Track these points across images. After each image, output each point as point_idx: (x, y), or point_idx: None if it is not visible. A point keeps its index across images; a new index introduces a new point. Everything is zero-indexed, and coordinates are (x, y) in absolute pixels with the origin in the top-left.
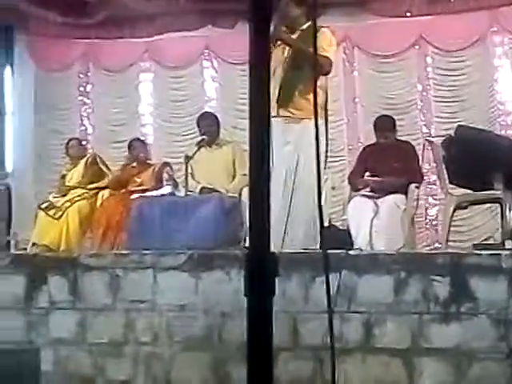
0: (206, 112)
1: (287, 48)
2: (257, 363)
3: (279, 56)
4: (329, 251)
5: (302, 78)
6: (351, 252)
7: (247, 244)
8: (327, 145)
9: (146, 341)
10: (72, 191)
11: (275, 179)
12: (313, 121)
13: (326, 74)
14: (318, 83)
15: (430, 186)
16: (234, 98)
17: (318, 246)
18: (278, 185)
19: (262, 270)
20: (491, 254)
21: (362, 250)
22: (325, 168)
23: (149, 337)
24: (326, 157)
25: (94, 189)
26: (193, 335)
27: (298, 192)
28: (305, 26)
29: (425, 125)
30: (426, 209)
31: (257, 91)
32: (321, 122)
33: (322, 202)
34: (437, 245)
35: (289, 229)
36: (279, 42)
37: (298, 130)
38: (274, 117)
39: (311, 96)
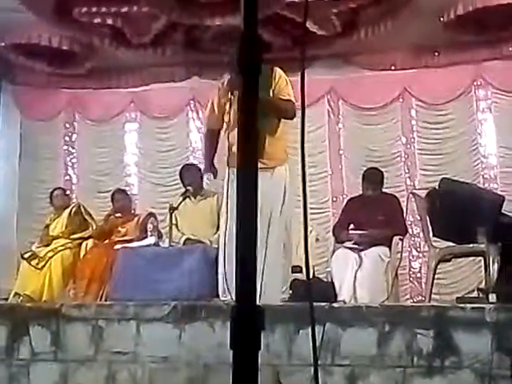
0: (188, 164)
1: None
2: None
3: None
4: (314, 304)
5: (268, 126)
6: (335, 304)
7: (230, 296)
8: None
9: None
10: (55, 241)
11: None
12: (282, 168)
13: (292, 118)
14: (288, 126)
15: (413, 239)
16: (219, 148)
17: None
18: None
19: (248, 324)
20: (475, 308)
21: (345, 302)
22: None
23: None
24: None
25: (77, 239)
26: None
27: (271, 242)
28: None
29: (409, 177)
30: (410, 261)
31: (245, 140)
32: (286, 166)
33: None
34: (421, 298)
35: (265, 281)
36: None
37: (269, 179)
38: None
39: (281, 143)
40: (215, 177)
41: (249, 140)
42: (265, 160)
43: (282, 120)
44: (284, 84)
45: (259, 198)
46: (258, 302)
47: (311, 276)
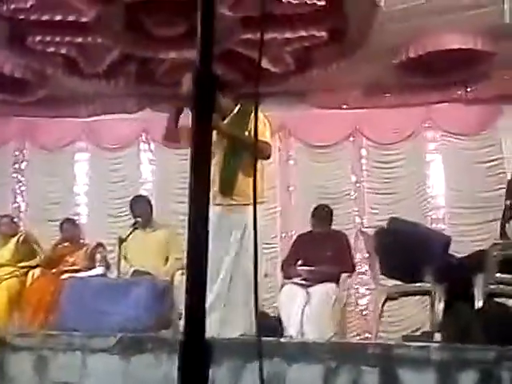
0: (138, 196)
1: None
2: None
3: (215, 143)
4: (261, 338)
5: (242, 164)
6: (282, 339)
7: (179, 328)
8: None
9: None
10: (2, 269)
11: (213, 265)
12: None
13: (267, 158)
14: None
15: (361, 276)
16: (170, 181)
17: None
18: (215, 271)
19: (196, 359)
20: (420, 346)
21: (292, 337)
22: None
23: None
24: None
25: (24, 267)
26: None
27: (236, 280)
28: (235, 111)
29: (358, 215)
30: (357, 298)
31: (198, 176)
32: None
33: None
34: (368, 335)
35: (227, 316)
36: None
37: (242, 218)
38: (218, 205)
39: (250, 181)
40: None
41: (201, 178)
42: (236, 197)
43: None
44: (262, 125)
45: (225, 236)
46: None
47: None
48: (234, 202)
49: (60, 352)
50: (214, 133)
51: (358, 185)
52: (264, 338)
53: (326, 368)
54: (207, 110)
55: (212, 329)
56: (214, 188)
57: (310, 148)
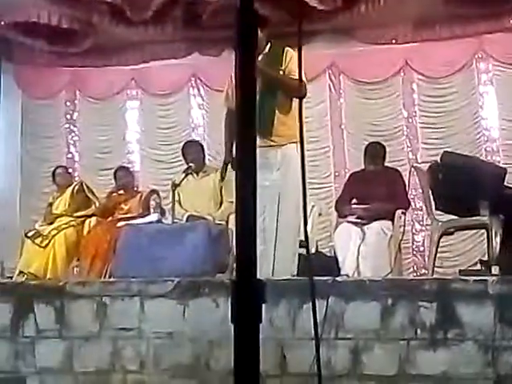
0: (190, 140)
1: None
2: None
3: None
4: (316, 278)
5: (278, 104)
6: (338, 279)
7: (234, 271)
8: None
9: (134, 369)
10: (59, 219)
11: (260, 205)
12: (293, 146)
13: (302, 97)
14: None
15: (416, 212)
16: (220, 125)
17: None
18: (262, 211)
19: (248, 298)
20: (477, 280)
21: (348, 276)
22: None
23: (136, 365)
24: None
25: (80, 217)
26: (180, 363)
27: (282, 219)
28: (266, 49)
29: (411, 151)
30: (413, 235)
31: (243, 116)
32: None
33: (309, 229)
34: (424, 271)
35: (277, 255)
36: None
37: (280, 156)
38: (260, 146)
39: (289, 121)
40: (234, 167)
41: (247, 118)
42: (274, 137)
43: (294, 99)
44: (295, 64)
45: (268, 175)
46: (261, 276)
47: (314, 251)
48: (272, 143)
49: (118, 299)
50: None
51: (410, 120)
52: (320, 278)
53: (383, 305)
54: (250, 49)
55: (263, 270)
56: None
57: (360, 85)
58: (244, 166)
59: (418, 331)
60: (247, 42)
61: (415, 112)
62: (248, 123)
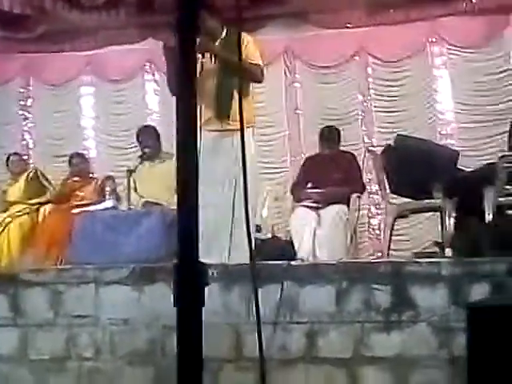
0: (145, 126)
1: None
2: (187, 374)
3: (208, 67)
4: (271, 262)
5: (235, 88)
6: (293, 262)
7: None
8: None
9: (89, 356)
10: (13, 206)
11: (216, 190)
12: (249, 130)
13: (260, 81)
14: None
15: (372, 196)
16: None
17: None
18: (218, 195)
19: (190, 281)
20: (431, 262)
21: (303, 260)
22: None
23: (91, 352)
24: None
25: (35, 204)
26: (136, 349)
27: (238, 202)
28: (223, 35)
29: (366, 135)
30: (369, 219)
31: (183, 101)
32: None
33: (265, 214)
34: (381, 254)
35: (233, 240)
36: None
37: (236, 142)
38: (214, 131)
39: (246, 106)
40: None
41: (186, 102)
42: (231, 121)
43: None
44: (253, 48)
45: (223, 160)
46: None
47: (271, 236)
48: (229, 127)
49: (73, 286)
50: (207, 56)
51: (365, 104)
52: (275, 262)
53: (338, 289)
54: (191, 32)
55: (222, 254)
56: (210, 114)
57: (315, 69)
58: (184, 148)
59: (373, 314)
60: (187, 26)
61: (370, 96)
62: (188, 106)
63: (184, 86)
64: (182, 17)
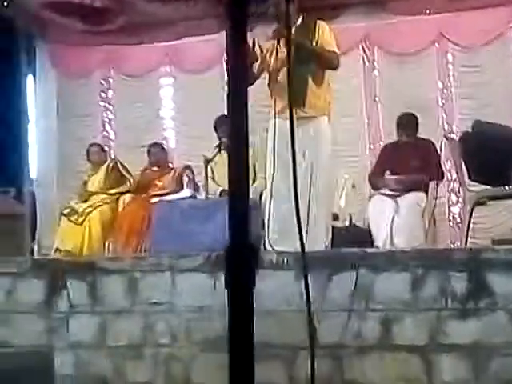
0: (221, 115)
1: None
2: (238, 357)
3: (283, 55)
4: (346, 250)
5: (311, 75)
6: (368, 250)
7: (267, 245)
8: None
9: (165, 343)
10: (93, 197)
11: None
12: (324, 118)
13: (335, 68)
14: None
15: (452, 184)
16: (252, 98)
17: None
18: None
19: (241, 263)
20: (509, 249)
21: (379, 248)
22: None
23: (168, 339)
24: None
25: (115, 194)
26: (211, 336)
27: (316, 190)
28: (298, 22)
29: (447, 122)
30: (450, 207)
31: (235, 95)
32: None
33: (343, 202)
34: (459, 243)
35: (310, 227)
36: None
37: (312, 130)
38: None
39: (322, 93)
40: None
41: (238, 90)
42: (306, 109)
43: (327, 71)
44: (329, 36)
45: (299, 147)
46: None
47: (348, 224)
48: (304, 115)
49: (149, 273)
50: (282, 43)
51: (445, 91)
52: (351, 250)
53: (414, 276)
54: (241, 26)
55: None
56: (283, 102)
57: (394, 57)
58: (236, 135)
59: (449, 301)
60: (238, 19)
61: (450, 83)
62: (239, 96)
63: (235, 75)
64: (231, 10)
